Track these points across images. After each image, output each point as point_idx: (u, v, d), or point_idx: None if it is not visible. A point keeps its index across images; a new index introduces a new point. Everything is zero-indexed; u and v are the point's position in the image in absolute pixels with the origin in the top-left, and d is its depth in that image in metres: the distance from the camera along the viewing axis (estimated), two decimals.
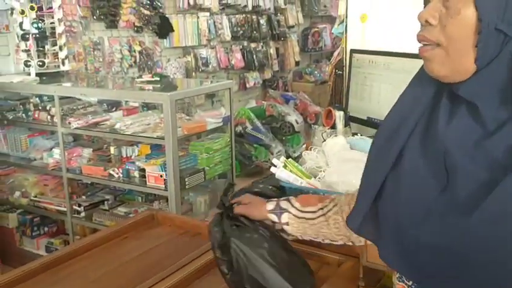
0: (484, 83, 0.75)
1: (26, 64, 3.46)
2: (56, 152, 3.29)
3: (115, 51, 4.47)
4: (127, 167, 3.04)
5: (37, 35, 3.44)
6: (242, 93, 6.10)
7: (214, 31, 5.51)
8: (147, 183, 2.94)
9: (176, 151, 2.81)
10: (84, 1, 4.12)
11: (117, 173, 3.06)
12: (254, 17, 6.02)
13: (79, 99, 3.36)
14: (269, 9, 6.19)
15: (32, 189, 3.48)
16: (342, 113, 2.24)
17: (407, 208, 0.81)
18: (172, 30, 5.00)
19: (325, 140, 1.99)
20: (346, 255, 1.50)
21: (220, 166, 3.18)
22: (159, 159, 2.94)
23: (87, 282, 1.49)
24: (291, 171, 1.69)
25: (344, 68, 2.83)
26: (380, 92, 2.22)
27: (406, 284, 0.90)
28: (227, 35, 5.68)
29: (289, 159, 1.77)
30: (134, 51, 4.63)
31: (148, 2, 4.66)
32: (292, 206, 1.20)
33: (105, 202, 3.32)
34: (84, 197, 3.39)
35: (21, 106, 3.40)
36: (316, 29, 7.12)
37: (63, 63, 3.57)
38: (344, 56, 2.86)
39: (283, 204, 1.21)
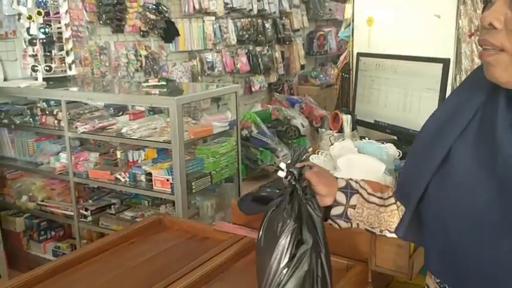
0: None
1: (33, 69, 3.47)
2: (63, 156, 3.30)
3: (121, 55, 4.48)
4: (133, 171, 3.05)
5: (44, 40, 3.45)
6: (248, 97, 6.10)
7: (219, 35, 5.52)
8: (154, 187, 2.94)
9: (183, 155, 2.82)
10: (90, 6, 4.14)
11: (124, 177, 3.06)
12: (259, 20, 6.03)
13: (86, 104, 3.37)
14: (274, 13, 6.19)
15: (39, 193, 3.50)
16: (349, 116, 2.24)
17: (455, 208, 0.78)
18: (178, 35, 5.01)
19: (332, 144, 1.98)
20: (355, 260, 1.49)
21: (226, 170, 3.18)
22: (165, 163, 2.94)
23: (95, 287, 1.49)
24: None
25: (351, 71, 2.83)
26: (387, 95, 2.21)
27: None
28: (233, 39, 5.68)
29: None
30: (140, 55, 4.64)
31: (154, 6, 4.68)
32: (362, 187, 1.07)
33: (112, 206, 3.32)
34: (90, 201, 3.40)
35: (28, 111, 3.41)
36: (322, 33, 7.12)
37: (70, 68, 3.58)
38: (351, 59, 2.86)
39: (354, 184, 1.07)
